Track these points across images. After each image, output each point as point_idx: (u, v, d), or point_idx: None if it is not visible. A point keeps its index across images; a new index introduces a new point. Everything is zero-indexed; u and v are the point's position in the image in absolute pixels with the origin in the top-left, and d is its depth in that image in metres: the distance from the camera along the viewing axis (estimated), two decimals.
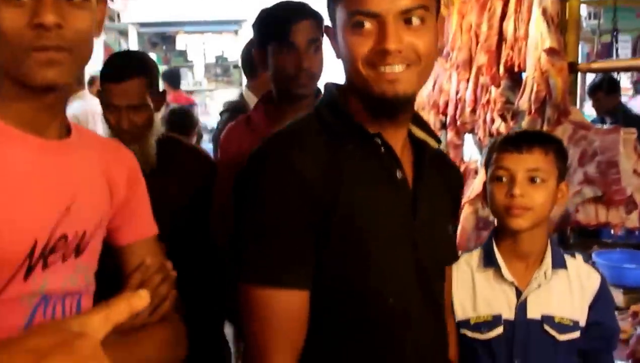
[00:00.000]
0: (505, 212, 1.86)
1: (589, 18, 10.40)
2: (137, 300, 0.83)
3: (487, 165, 1.95)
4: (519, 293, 1.89)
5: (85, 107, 4.87)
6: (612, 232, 4.67)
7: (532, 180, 1.85)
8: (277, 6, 2.36)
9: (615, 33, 3.93)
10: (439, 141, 1.58)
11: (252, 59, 4.08)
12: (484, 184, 1.94)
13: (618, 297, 3.17)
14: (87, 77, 6.06)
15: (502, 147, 1.90)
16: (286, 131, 1.46)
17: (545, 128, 3.19)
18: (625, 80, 13.40)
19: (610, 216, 3.16)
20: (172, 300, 1.41)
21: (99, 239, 1.33)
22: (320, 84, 2.09)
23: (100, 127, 4.80)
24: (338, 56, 1.43)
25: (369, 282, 1.40)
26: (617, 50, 4.13)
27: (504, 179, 1.87)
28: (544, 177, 1.86)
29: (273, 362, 1.38)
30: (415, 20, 1.33)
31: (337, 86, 1.50)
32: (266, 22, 2.36)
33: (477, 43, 4.12)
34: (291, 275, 1.37)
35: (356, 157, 1.41)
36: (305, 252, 1.37)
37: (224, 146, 2.52)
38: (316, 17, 2.30)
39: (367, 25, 1.33)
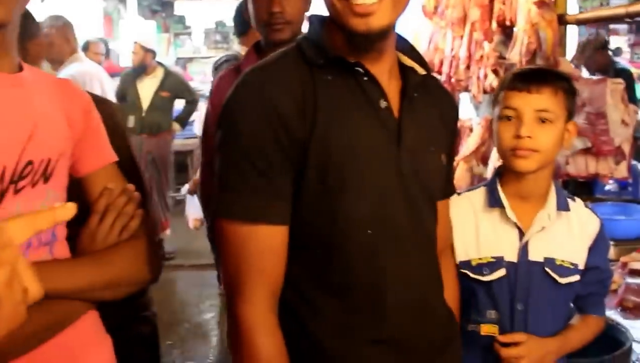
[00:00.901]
0: (512, 152, 1.79)
1: None
2: (62, 210, 0.87)
3: (494, 102, 1.88)
4: (521, 234, 1.85)
5: (81, 69, 4.90)
6: (604, 187, 4.74)
7: (540, 120, 1.77)
8: None
9: None
10: (427, 68, 1.52)
11: (243, 16, 4.17)
12: (490, 126, 1.87)
13: None
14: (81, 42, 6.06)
15: (510, 85, 1.82)
16: (262, 65, 1.44)
17: None
18: (623, 44, 13.41)
19: (599, 167, 3.21)
20: (139, 219, 1.43)
21: (64, 168, 1.36)
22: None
23: (96, 88, 4.87)
24: None
25: (346, 211, 1.38)
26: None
27: (512, 119, 1.80)
28: (553, 118, 1.77)
29: (249, 297, 1.36)
30: None
31: (320, 19, 1.48)
32: None
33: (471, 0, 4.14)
34: (268, 210, 1.35)
35: (335, 87, 1.38)
36: (283, 186, 1.35)
37: (213, 95, 2.53)
38: None
39: None
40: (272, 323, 1.38)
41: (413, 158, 1.44)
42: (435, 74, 4.99)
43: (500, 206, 1.87)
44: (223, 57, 4.21)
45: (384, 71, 1.43)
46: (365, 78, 1.39)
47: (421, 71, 1.50)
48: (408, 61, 1.50)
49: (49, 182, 1.29)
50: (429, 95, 1.54)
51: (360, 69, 1.38)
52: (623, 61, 12.72)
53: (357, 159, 1.37)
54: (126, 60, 7.81)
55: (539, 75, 1.83)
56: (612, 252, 3.18)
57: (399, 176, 1.42)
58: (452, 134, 1.65)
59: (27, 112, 1.27)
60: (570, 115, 1.84)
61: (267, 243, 1.36)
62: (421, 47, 5.36)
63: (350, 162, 1.36)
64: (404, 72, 1.49)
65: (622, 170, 3.18)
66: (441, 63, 4.84)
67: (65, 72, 4.80)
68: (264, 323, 1.37)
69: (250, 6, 2.35)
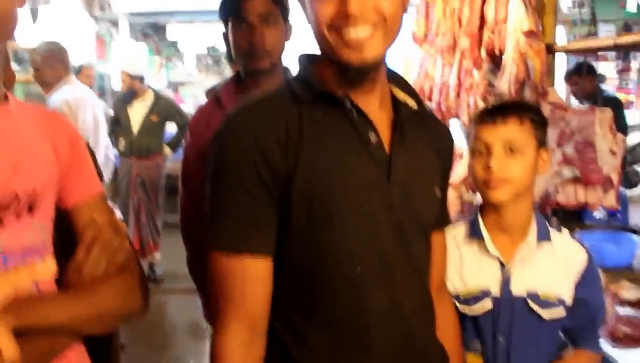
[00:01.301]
0: (485, 185, 1.83)
1: (574, 7, 10.50)
2: (41, 269, 0.87)
3: (468, 140, 1.91)
4: (503, 267, 1.86)
5: (72, 93, 4.91)
6: (593, 214, 4.75)
7: (509, 150, 1.81)
8: None
9: (594, 21, 3.97)
10: (419, 101, 1.54)
11: None
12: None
13: None
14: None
15: (479, 119, 1.87)
16: (250, 103, 1.47)
17: None
18: (611, 70, 13.51)
19: (588, 196, 3.21)
20: (126, 251, 1.44)
21: (51, 199, 1.37)
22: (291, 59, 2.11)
23: (89, 112, 4.89)
24: (308, 22, 1.42)
25: (333, 247, 1.39)
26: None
27: (482, 152, 1.83)
28: (521, 147, 1.81)
29: (227, 328, 1.39)
30: None
31: (308, 57, 1.50)
32: (224, 1, 2.39)
33: (460, 27, 4.17)
34: (251, 241, 1.37)
35: (324, 122, 1.40)
36: (266, 218, 1.38)
37: (192, 126, 2.52)
38: None
39: None
40: (246, 355, 1.39)
41: (404, 192, 1.45)
42: (425, 101, 5.04)
43: (480, 238, 1.88)
44: (217, 85, 4.24)
45: (374, 104, 1.45)
46: (355, 112, 1.40)
47: (413, 105, 1.51)
48: (401, 94, 1.51)
49: (34, 214, 1.30)
50: (423, 127, 1.55)
51: (349, 103, 1.39)
52: (611, 87, 12.85)
53: (344, 194, 1.38)
54: (118, 83, 7.84)
55: (504, 107, 1.87)
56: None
57: (389, 211, 1.42)
58: (446, 165, 1.65)
59: (13, 142, 1.28)
60: (541, 143, 1.86)
61: (250, 274, 1.38)
62: (412, 74, 5.41)
63: (337, 197, 1.37)
64: (397, 105, 1.50)
65: (610, 199, 3.19)
66: (431, 90, 4.86)
67: (56, 96, 4.84)
68: (239, 356, 1.38)
69: (230, 35, 2.35)
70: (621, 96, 13.47)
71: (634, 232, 5.36)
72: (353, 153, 1.40)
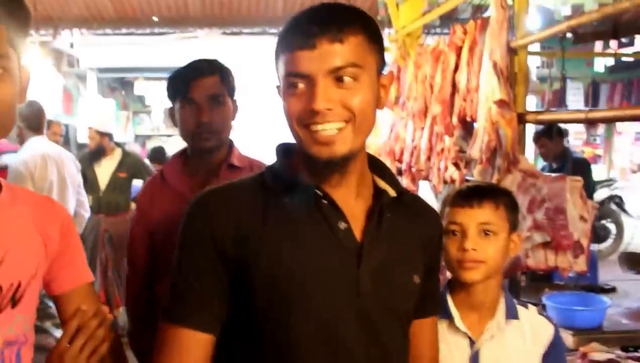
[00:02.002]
0: (458, 265, 1.85)
1: (543, 67, 10.76)
2: None
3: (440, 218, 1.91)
4: (472, 344, 1.88)
5: (39, 150, 4.91)
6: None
7: (484, 233, 1.85)
8: (186, 65, 2.40)
9: (563, 85, 4.07)
10: (398, 189, 1.53)
11: None
12: None
13: (568, 338, 3.23)
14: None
15: (454, 202, 1.90)
16: (219, 187, 1.50)
17: (495, 176, 3.29)
18: (579, 126, 13.79)
19: (558, 260, 3.25)
20: (109, 342, 1.45)
21: (35, 290, 1.38)
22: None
23: (53, 169, 4.86)
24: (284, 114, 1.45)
25: (292, 332, 1.39)
26: (564, 99, 4.23)
27: (457, 233, 1.86)
28: (495, 230, 1.85)
29: None
30: (347, 79, 1.33)
31: (284, 146, 1.52)
32: (172, 79, 2.39)
33: (432, 93, 4.26)
34: (192, 316, 1.39)
35: (291, 212, 1.41)
36: (210, 300, 1.40)
37: (138, 202, 2.54)
38: (220, 73, 2.36)
39: (300, 85, 1.34)
40: None
41: (377, 279, 1.44)
42: (395, 163, 5.11)
43: (449, 317, 1.90)
44: (160, 146, 4.28)
45: (349, 194, 1.46)
46: (325, 201, 1.42)
47: (392, 193, 1.52)
48: (382, 183, 1.53)
49: (17, 306, 1.31)
50: (407, 215, 1.55)
51: (319, 192, 1.41)
52: (579, 142, 13.11)
53: (306, 280, 1.38)
54: (84, 137, 7.82)
55: (481, 191, 1.92)
56: (571, 342, 3.21)
57: (356, 298, 1.41)
58: (433, 253, 1.63)
59: (1, 235, 1.29)
60: (513, 226, 1.92)
61: (184, 346, 1.40)
62: (382, 136, 5.49)
63: (298, 283, 1.38)
64: (378, 194, 1.52)
65: (581, 264, 3.24)
66: (402, 152, 4.95)
67: (20, 153, 4.88)
68: None
69: (176, 114, 2.36)
70: (589, 151, 13.81)
71: (603, 291, 5.44)
72: (319, 240, 1.41)
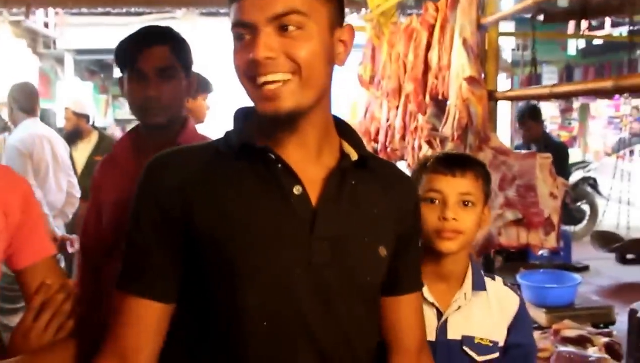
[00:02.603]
0: (436, 234, 1.82)
1: (517, 49, 10.86)
2: None
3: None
4: (439, 314, 1.87)
5: (32, 131, 4.92)
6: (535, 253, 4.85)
7: (463, 203, 1.83)
8: (135, 32, 2.22)
9: (534, 65, 4.09)
10: (361, 152, 1.44)
11: None
12: None
13: (540, 316, 3.27)
14: None
15: (434, 169, 1.86)
16: (169, 151, 1.45)
17: (467, 153, 3.30)
18: (554, 109, 13.96)
19: (530, 237, 3.28)
20: (76, 317, 1.44)
21: None
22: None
23: (47, 150, 4.85)
24: None
25: (239, 300, 1.33)
26: (537, 79, 4.26)
27: (436, 201, 1.83)
28: (474, 201, 1.84)
29: (99, 358, 1.36)
30: (291, 27, 1.26)
31: (242, 109, 1.45)
32: (120, 47, 2.21)
33: (405, 72, 4.25)
34: (141, 284, 1.36)
35: (242, 175, 1.36)
36: (160, 265, 1.36)
37: (92, 183, 2.41)
38: (173, 43, 2.18)
39: (246, 36, 1.28)
40: None
41: (333, 248, 1.36)
42: (371, 143, 5.11)
43: None
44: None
45: (306, 156, 1.39)
46: (279, 164, 1.35)
47: (353, 156, 1.43)
48: (347, 148, 1.45)
49: None
50: (378, 183, 1.47)
51: (272, 155, 1.35)
52: (554, 126, 13.23)
53: (252, 249, 1.32)
54: (62, 121, 7.77)
55: (462, 160, 1.90)
56: (543, 319, 3.24)
57: (308, 267, 1.34)
58: (409, 223, 1.54)
59: None
60: (486, 200, 1.91)
61: (133, 313, 1.36)
62: (358, 116, 5.49)
63: (244, 252, 1.32)
64: (343, 159, 1.43)
65: (551, 241, 3.27)
66: (377, 132, 4.95)
67: (16, 133, 4.90)
68: None
69: (125, 86, 2.19)
70: (564, 134, 13.96)
71: (576, 269, 5.51)
72: (269, 205, 1.34)
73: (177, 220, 1.34)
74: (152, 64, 2.11)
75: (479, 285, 1.92)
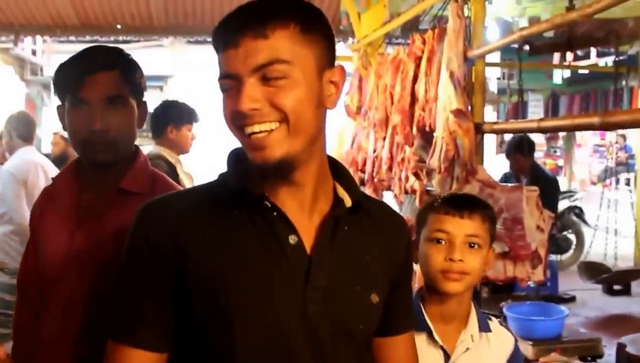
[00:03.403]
0: (442, 275, 1.82)
1: (503, 78, 10.97)
2: None
3: (419, 224, 1.90)
4: (446, 355, 1.86)
5: (26, 158, 4.98)
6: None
7: (469, 245, 1.82)
8: (78, 54, 1.92)
9: (521, 95, 4.12)
10: (356, 196, 1.42)
11: (157, 118, 4.18)
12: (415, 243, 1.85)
13: (527, 349, 3.25)
14: None
15: (442, 209, 1.86)
16: (162, 196, 1.43)
17: (454, 186, 3.30)
18: (540, 137, 14.03)
19: (517, 271, 3.27)
20: None
21: None
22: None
23: (42, 177, 4.85)
24: None
25: (235, 351, 1.32)
26: (523, 107, 4.28)
27: (443, 242, 1.83)
28: (481, 243, 1.83)
29: None
30: (275, 76, 1.24)
31: (236, 151, 1.42)
32: (61, 72, 1.91)
33: (392, 103, 4.26)
34: (133, 334, 1.33)
35: (237, 223, 1.33)
36: (156, 314, 1.34)
37: (30, 220, 2.13)
38: (122, 68, 1.89)
39: (232, 87, 1.27)
40: None
41: (326, 297, 1.35)
42: (358, 173, 5.11)
43: (427, 330, 1.86)
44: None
45: (302, 203, 1.37)
46: (275, 212, 1.33)
47: (347, 202, 1.41)
48: (341, 191, 1.43)
49: None
50: (370, 225, 1.46)
51: (268, 203, 1.33)
52: (540, 154, 13.30)
53: (247, 297, 1.31)
54: (48, 147, 7.74)
55: (470, 202, 1.89)
56: (530, 352, 3.22)
57: (304, 317, 1.33)
58: (401, 264, 1.52)
59: None
60: (492, 241, 1.89)
61: None
62: (345, 145, 5.49)
63: (239, 300, 1.30)
64: (337, 204, 1.42)
65: (538, 274, 3.27)
66: (364, 162, 4.94)
67: (12, 160, 4.97)
68: None
69: (65, 116, 1.90)
70: (550, 162, 14.05)
71: (563, 300, 5.48)
72: (265, 255, 1.32)
73: (171, 268, 1.31)
74: (98, 92, 1.83)
75: (484, 327, 1.92)
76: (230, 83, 1.27)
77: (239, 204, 1.34)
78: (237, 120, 1.26)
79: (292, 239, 1.33)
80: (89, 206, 1.90)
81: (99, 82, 1.83)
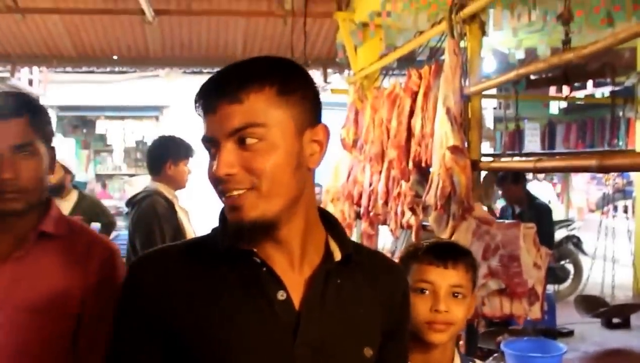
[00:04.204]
0: (427, 325, 1.83)
1: (499, 108, 11.00)
2: None
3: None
4: None
5: None
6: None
7: (453, 295, 1.84)
8: None
9: (518, 127, 4.13)
10: (347, 249, 1.41)
11: (154, 153, 4.17)
12: None
13: None
14: None
15: (425, 259, 1.87)
16: (151, 252, 1.42)
17: (450, 223, 3.28)
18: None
19: (514, 308, 3.25)
20: None
21: None
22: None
23: None
24: None
25: None
26: (520, 136, 4.29)
27: (426, 292, 1.84)
28: (465, 292, 1.86)
29: None
30: (250, 140, 1.25)
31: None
32: None
33: (389, 137, 4.25)
34: None
35: (225, 279, 1.33)
36: None
37: None
38: (30, 114, 1.83)
39: (213, 150, 1.29)
40: None
41: (316, 354, 1.33)
42: (354, 207, 5.09)
43: None
44: (141, 192, 4.20)
45: (290, 260, 1.36)
46: (264, 268, 1.33)
47: (337, 256, 1.40)
48: (332, 244, 1.42)
49: None
50: (363, 276, 1.45)
51: (257, 259, 1.33)
52: (536, 181, 13.29)
53: (235, 357, 1.29)
54: None
55: (453, 251, 1.90)
56: None
57: None
58: (395, 312, 1.50)
59: None
60: (474, 288, 1.91)
61: None
62: (341, 178, 5.47)
63: (227, 360, 1.29)
64: (327, 257, 1.41)
65: (536, 311, 3.24)
66: (360, 195, 4.92)
67: None
68: None
69: None
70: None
71: (560, 335, 5.46)
72: (253, 314, 1.31)
73: (159, 326, 1.31)
74: (6, 140, 1.77)
75: None
76: (211, 146, 1.29)
77: (228, 260, 1.34)
78: (216, 185, 1.28)
79: (281, 295, 1.32)
80: (7, 255, 1.82)
81: (6, 130, 1.78)
